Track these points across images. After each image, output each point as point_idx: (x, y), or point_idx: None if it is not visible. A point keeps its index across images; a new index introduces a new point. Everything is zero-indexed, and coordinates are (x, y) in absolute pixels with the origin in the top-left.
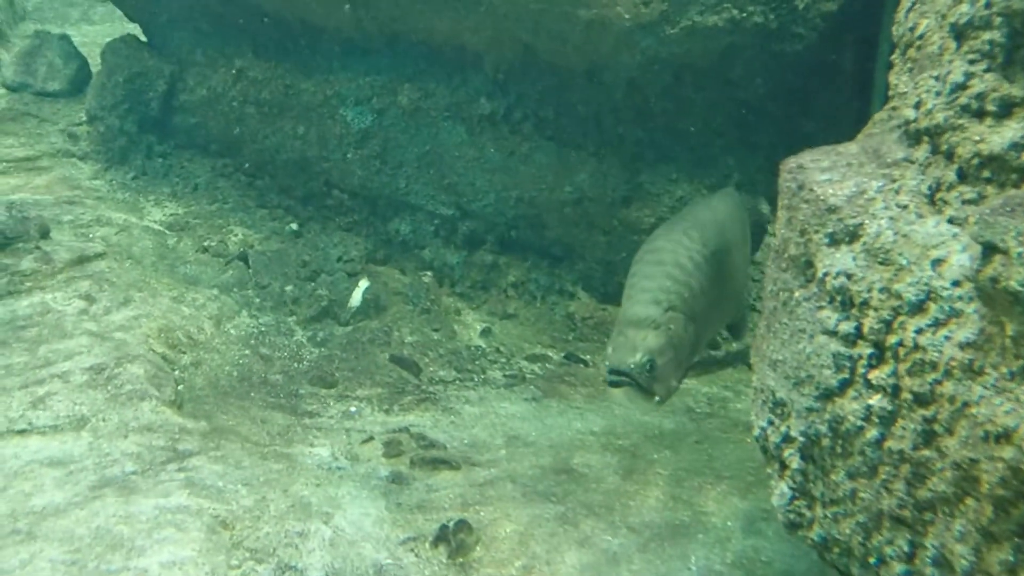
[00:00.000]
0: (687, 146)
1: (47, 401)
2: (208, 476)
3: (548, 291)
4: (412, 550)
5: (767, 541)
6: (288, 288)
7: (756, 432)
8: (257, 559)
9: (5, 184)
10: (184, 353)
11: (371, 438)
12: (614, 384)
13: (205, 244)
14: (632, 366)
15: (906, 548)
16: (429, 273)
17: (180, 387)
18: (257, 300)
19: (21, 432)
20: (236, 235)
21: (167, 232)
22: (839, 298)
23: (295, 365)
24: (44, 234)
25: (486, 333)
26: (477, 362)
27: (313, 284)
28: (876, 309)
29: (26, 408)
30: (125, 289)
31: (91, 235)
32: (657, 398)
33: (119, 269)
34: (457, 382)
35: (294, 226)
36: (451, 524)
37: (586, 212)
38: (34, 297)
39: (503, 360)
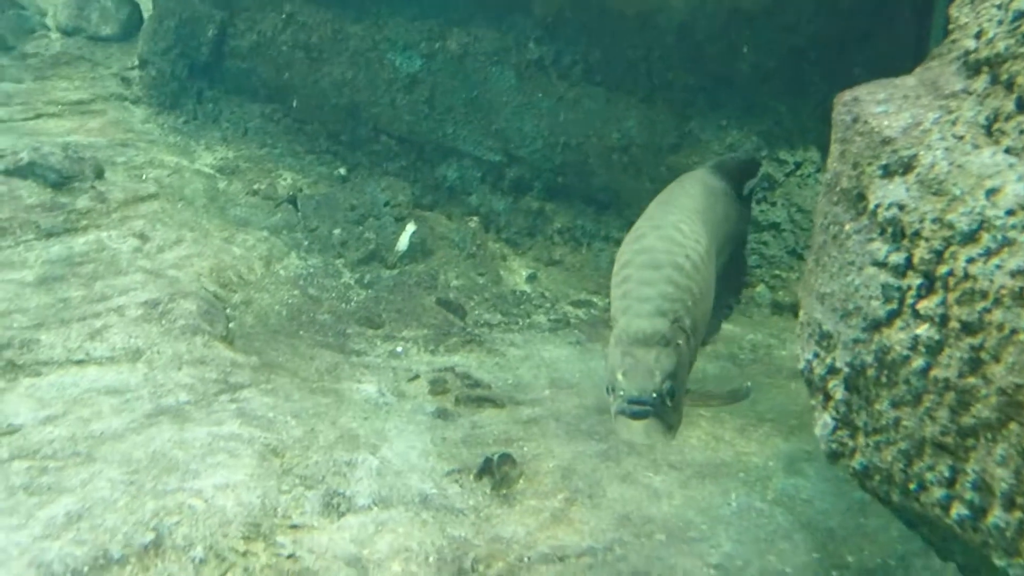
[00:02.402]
0: (738, 92)
1: (103, 333)
2: (259, 407)
3: (594, 238)
4: (456, 481)
5: (808, 481)
6: (336, 231)
7: (801, 365)
8: (307, 485)
9: (60, 126)
10: (235, 292)
11: (417, 376)
12: (637, 416)
13: (255, 187)
14: (655, 395)
15: (947, 473)
16: (475, 218)
17: (231, 324)
18: (306, 242)
19: (79, 362)
20: (285, 179)
21: (217, 175)
22: (890, 229)
23: (343, 306)
24: (99, 174)
25: (531, 278)
26: (522, 306)
27: (361, 228)
28: (927, 239)
29: (84, 339)
30: (177, 229)
31: (144, 176)
32: (675, 431)
33: (171, 210)
34: (502, 325)
35: (342, 171)
36: (495, 457)
37: (634, 159)
38: (90, 235)
39: (548, 305)
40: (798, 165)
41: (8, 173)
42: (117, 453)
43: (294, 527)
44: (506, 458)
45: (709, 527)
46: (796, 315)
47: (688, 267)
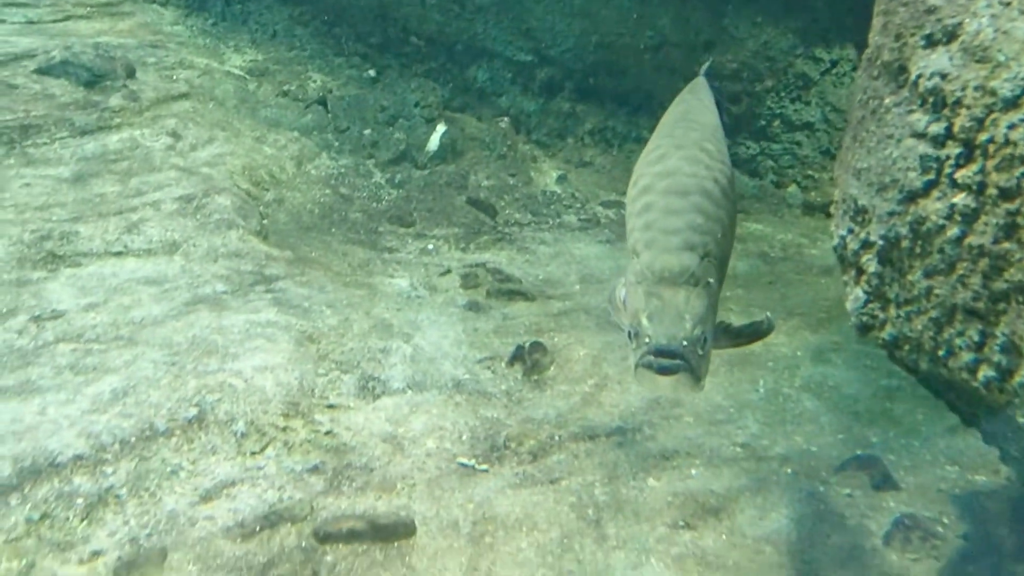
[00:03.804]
0: None
1: (141, 227)
2: (294, 297)
3: (625, 139)
4: (489, 368)
5: (835, 369)
6: (367, 132)
7: (835, 241)
8: (342, 369)
9: (90, 27)
10: (267, 191)
11: (448, 271)
12: (666, 370)
13: (284, 89)
14: (685, 343)
15: (976, 338)
16: (506, 120)
17: (265, 221)
18: (336, 143)
19: (118, 254)
20: (315, 81)
21: (247, 77)
22: (931, 100)
23: (374, 205)
24: (130, 74)
25: (562, 179)
26: (552, 206)
27: (391, 128)
28: (969, 107)
29: (121, 232)
30: (209, 128)
31: (174, 77)
32: (702, 383)
33: (203, 109)
34: (532, 224)
35: (372, 72)
36: (527, 345)
37: (667, 58)
38: (123, 133)
39: (578, 205)
40: (834, 63)
41: (41, 72)
42: (158, 337)
43: (331, 407)
44: (537, 346)
45: (736, 411)
46: (828, 215)
47: (717, 193)
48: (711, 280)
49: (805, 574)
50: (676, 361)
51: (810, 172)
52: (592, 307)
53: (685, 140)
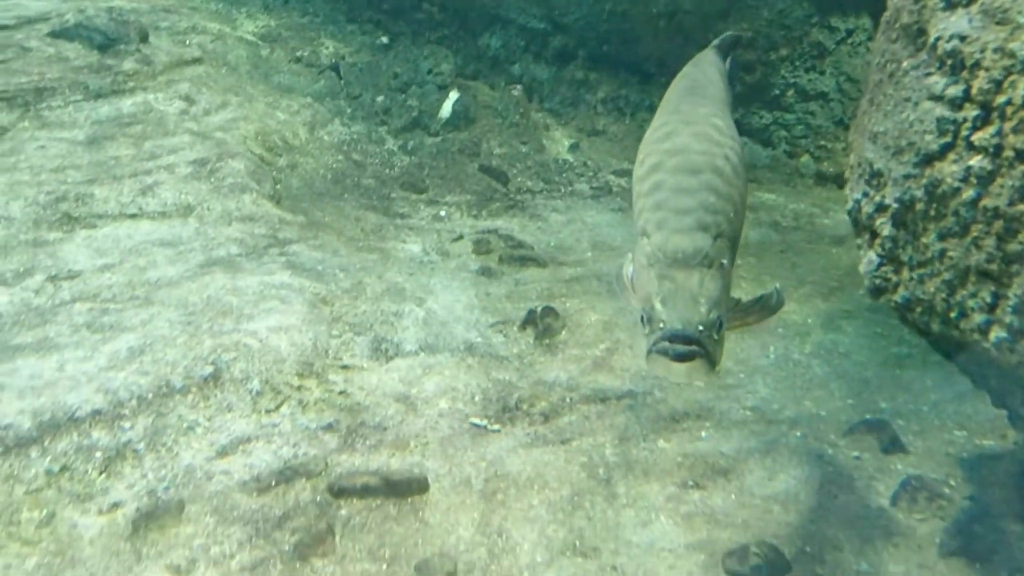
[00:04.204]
0: None
1: (155, 190)
2: (308, 261)
3: (638, 108)
4: (501, 331)
5: (846, 336)
6: (379, 99)
7: (849, 205)
8: (356, 331)
9: None
10: (280, 156)
11: (461, 237)
12: (682, 357)
13: (297, 55)
14: (700, 328)
15: (989, 300)
16: (519, 87)
17: (278, 186)
18: (349, 110)
19: (132, 216)
20: (327, 47)
21: (260, 43)
22: (949, 62)
23: (386, 171)
24: (143, 38)
25: (574, 148)
26: (564, 175)
27: (404, 95)
28: (988, 70)
29: (136, 195)
30: (223, 93)
31: (187, 42)
32: (717, 368)
33: (216, 74)
34: (544, 192)
35: (384, 39)
36: (539, 309)
37: (681, 25)
38: (137, 96)
39: (590, 174)
40: (849, 32)
41: (55, 35)
42: (173, 298)
43: (345, 367)
44: (549, 310)
45: (747, 375)
46: (840, 186)
47: (728, 171)
48: (724, 261)
49: (812, 532)
50: (692, 347)
51: (823, 142)
52: (604, 274)
53: (694, 116)
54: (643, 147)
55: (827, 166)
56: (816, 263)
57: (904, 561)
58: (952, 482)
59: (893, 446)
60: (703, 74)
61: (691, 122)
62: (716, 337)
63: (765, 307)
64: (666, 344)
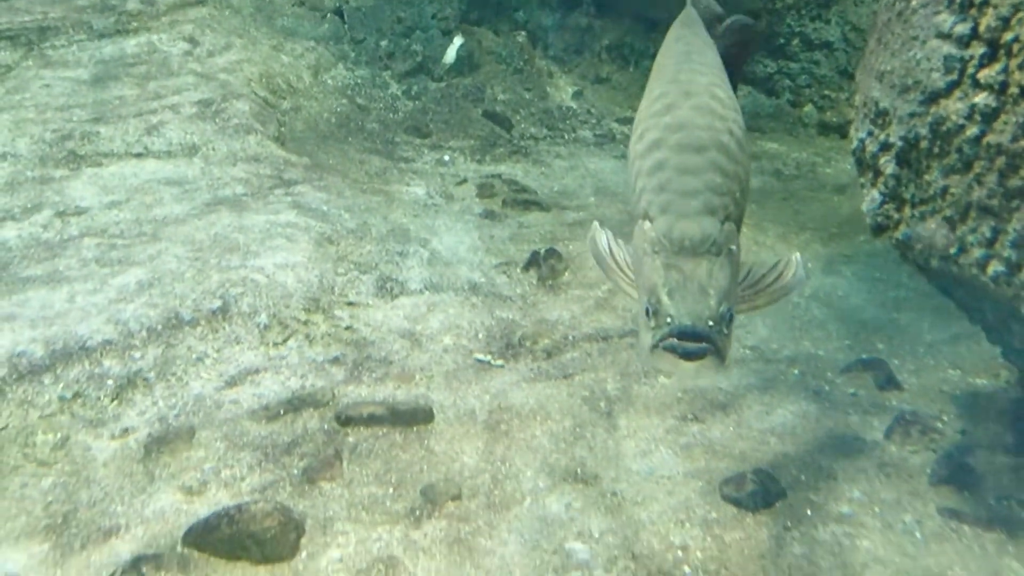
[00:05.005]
0: None
1: (160, 129)
2: (313, 201)
3: (642, 56)
4: (504, 272)
5: (845, 280)
6: (383, 43)
7: (854, 144)
8: (361, 270)
9: None
10: (284, 99)
11: (464, 181)
12: (691, 355)
13: None
14: (711, 324)
15: (988, 235)
16: (523, 33)
17: (282, 128)
18: (353, 54)
19: (138, 155)
20: None
21: None
22: (958, 0)
23: (390, 116)
24: None
25: (578, 95)
26: (568, 121)
27: (408, 40)
28: (996, 7)
29: (141, 134)
30: (226, 35)
31: None
32: (728, 364)
33: (219, 16)
34: (548, 139)
35: None
36: (542, 251)
37: None
38: (140, 37)
39: (594, 121)
40: None
41: None
42: (180, 235)
43: (351, 304)
44: (552, 252)
45: (746, 316)
46: (843, 136)
47: (733, 147)
48: (733, 247)
49: (807, 463)
50: (702, 344)
51: (827, 92)
52: (607, 218)
53: (694, 86)
54: (640, 119)
55: (830, 116)
56: (817, 210)
57: (895, 489)
58: (945, 417)
59: (888, 383)
60: (697, 36)
61: (691, 93)
62: (726, 332)
63: (781, 283)
64: (674, 341)
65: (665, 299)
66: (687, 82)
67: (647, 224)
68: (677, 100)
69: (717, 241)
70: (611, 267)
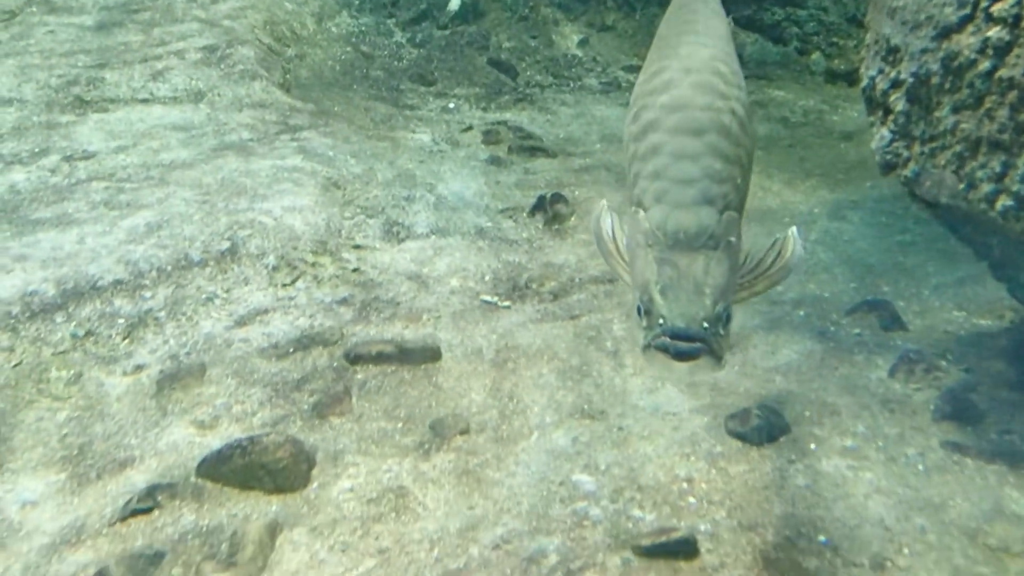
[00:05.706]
0: None
1: (165, 75)
2: (319, 147)
3: (648, 3)
4: (511, 217)
5: (851, 224)
6: None
7: (864, 83)
8: (368, 214)
9: None
10: (288, 46)
11: (470, 127)
12: (683, 355)
13: None
14: (706, 325)
15: (998, 169)
16: None
17: (287, 75)
18: (357, 1)
19: (144, 101)
20: None
21: None
22: None
23: (395, 63)
24: None
25: (583, 43)
26: (573, 69)
27: None
28: None
29: (147, 80)
30: None
31: None
32: (724, 361)
33: None
34: (553, 86)
35: None
36: (548, 196)
37: None
38: None
39: (599, 69)
40: None
41: None
42: (188, 179)
43: (358, 247)
44: (558, 197)
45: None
46: (851, 83)
47: (735, 128)
48: (733, 238)
49: (812, 400)
50: (695, 345)
51: (835, 39)
52: (613, 164)
53: (694, 61)
54: (636, 96)
55: (838, 63)
56: (824, 157)
57: (899, 425)
58: (949, 356)
59: (893, 324)
60: (704, 2)
61: (691, 69)
62: (723, 332)
63: (780, 264)
64: (666, 341)
65: (658, 298)
66: (687, 56)
67: (641, 213)
68: (676, 76)
69: (715, 233)
70: (610, 252)
